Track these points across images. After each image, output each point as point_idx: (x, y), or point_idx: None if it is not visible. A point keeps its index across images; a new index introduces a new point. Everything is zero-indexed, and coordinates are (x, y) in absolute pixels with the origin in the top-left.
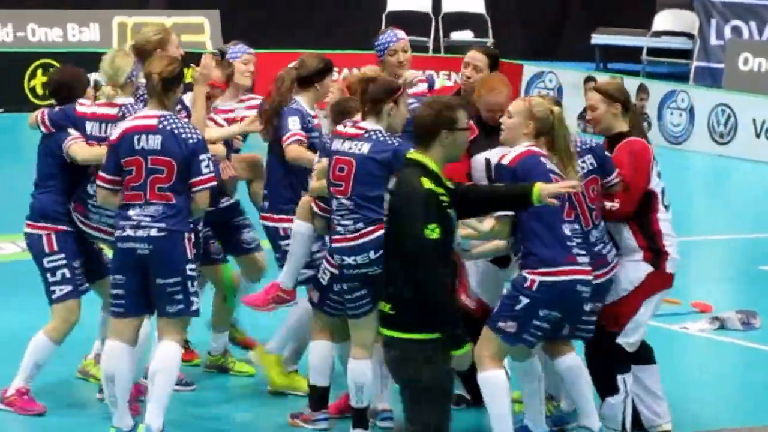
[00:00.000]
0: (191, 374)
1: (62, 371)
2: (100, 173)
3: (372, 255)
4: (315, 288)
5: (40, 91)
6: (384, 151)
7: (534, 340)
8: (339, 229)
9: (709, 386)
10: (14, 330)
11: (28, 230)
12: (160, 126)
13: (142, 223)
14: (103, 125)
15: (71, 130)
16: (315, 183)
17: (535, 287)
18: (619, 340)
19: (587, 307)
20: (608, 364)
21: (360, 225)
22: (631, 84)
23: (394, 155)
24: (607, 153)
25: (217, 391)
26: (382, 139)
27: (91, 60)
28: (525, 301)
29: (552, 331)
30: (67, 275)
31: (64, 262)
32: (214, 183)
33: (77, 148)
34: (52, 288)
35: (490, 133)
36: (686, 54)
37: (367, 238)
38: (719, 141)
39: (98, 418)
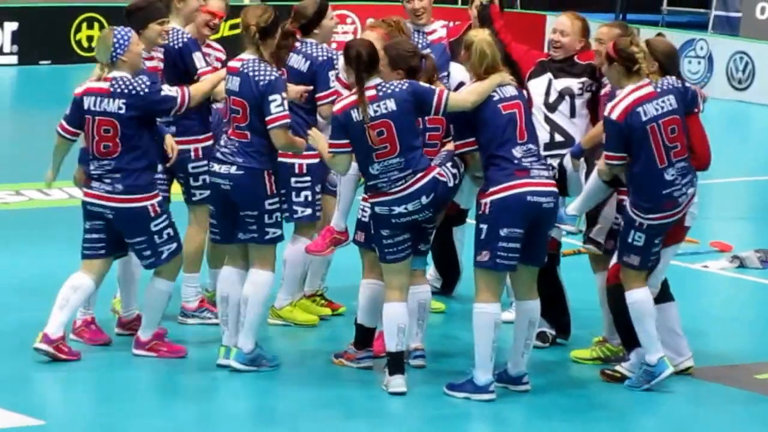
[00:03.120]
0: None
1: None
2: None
3: (424, 200)
4: (359, 228)
5: (86, 44)
6: (407, 96)
7: (508, 263)
8: (382, 185)
9: (729, 323)
10: (60, 271)
11: None
12: (242, 69)
13: (222, 159)
14: (96, 99)
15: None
16: None
17: (488, 210)
18: None
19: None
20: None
21: (409, 176)
22: (650, 33)
23: (416, 93)
24: (689, 87)
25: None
26: (397, 89)
27: None
28: (484, 227)
29: (526, 250)
30: None
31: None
32: (286, 121)
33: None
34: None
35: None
36: (705, 3)
37: (417, 186)
38: (737, 87)
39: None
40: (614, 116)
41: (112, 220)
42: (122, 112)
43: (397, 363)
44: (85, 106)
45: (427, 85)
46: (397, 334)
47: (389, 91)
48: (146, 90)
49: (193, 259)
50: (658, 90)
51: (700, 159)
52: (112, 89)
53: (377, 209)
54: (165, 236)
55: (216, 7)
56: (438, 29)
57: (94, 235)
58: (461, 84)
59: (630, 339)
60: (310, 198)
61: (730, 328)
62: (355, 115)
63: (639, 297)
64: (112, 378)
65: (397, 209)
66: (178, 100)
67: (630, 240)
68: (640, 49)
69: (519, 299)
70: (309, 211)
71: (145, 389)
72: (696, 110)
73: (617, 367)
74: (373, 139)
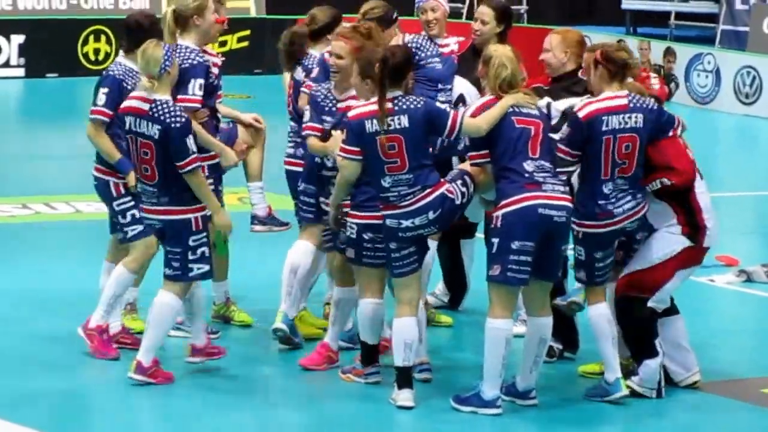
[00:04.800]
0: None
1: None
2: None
3: (431, 215)
4: (349, 245)
5: (92, 56)
6: (421, 115)
7: (519, 277)
8: (393, 198)
9: (736, 337)
10: (67, 283)
11: (96, 174)
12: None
13: None
14: (136, 120)
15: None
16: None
17: (499, 223)
18: (651, 303)
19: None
20: (642, 328)
21: (418, 191)
22: (659, 47)
23: (431, 113)
24: (666, 112)
25: (243, 345)
26: (413, 106)
27: None
28: (496, 241)
29: (538, 264)
30: (137, 216)
31: (132, 203)
32: None
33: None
34: (125, 229)
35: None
36: (712, 18)
37: (425, 201)
38: (744, 101)
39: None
40: (581, 114)
41: (163, 231)
42: (157, 138)
43: (405, 377)
44: (127, 126)
45: (443, 106)
46: (405, 350)
47: (404, 107)
48: (178, 125)
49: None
50: (630, 105)
51: (681, 174)
52: (151, 112)
53: (388, 221)
54: (198, 254)
55: (222, 16)
56: (452, 44)
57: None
58: (461, 96)
59: (639, 352)
60: None
61: (736, 342)
62: (368, 125)
63: (593, 313)
64: (125, 392)
65: (405, 223)
66: (191, 159)
67: (576, 254)
68: (629, 55)
69: (531, 315)
70: None
71: (148, 406)
72: (671, 134)
73: (627, 382)
74: (384, 151)
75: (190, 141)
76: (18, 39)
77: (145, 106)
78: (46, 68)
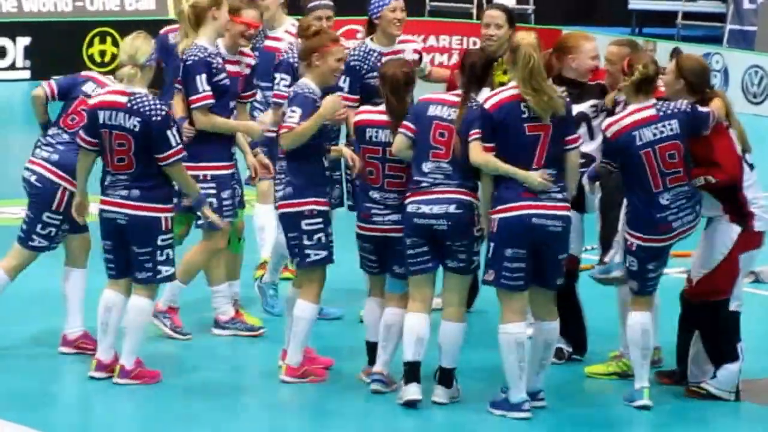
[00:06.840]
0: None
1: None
2: None
3: (451, 209)
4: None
5: (98, 58)
6: (473, 117)
7: (513, 284)
8: (426, 184)
9: (744, 337)
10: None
11: (47, 174)
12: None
13: None
14: (111, 114)
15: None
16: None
17: (495, 228)
18: (732, 306)
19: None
20: (727, 332)
21: (453, 185)
22: (666, 47)
23: (474, 117)
24: (699, 110)
25: (248, 343)
26: (474, 108)
27: (147, 29)
28: (492, 245)
29: (537, 271)
30: (52, 234)
31: (60, 223)
32: None
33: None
34: (41, 239)
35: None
36: (720, 17)
37: (454, 195)
38: (753, 101)
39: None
40: (608, 134)
41: (124, 228)
42: (137, 130)
43: (413, 372)
44: (100, 120)
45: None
46: (415, 344)
47: (468, 106)
48: (159, 118)
49: (222, 271)
50: (661, 113)
51: (726, 172)
52: (129, 104)
53: (409, 207)
54: (165, 255)
55: (251, 17)
56: (407, 53)
57: (111, 256)
58: None
59: (720, 356)
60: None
61: (745, 343)
62: (432, 108)
63: (635, 321)
64: (113, 392)
65: (424, 208)
66: (172, 152)
67: (627, 264)
68: (646, 68)
69: (537, 319)
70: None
71: (134, 407)
72: (707, 130)
73: (703, 384)
74: (434, 137)
75: (172, 133)
76: (24, 41)
77: (123, 99)
78: (52, 70)
